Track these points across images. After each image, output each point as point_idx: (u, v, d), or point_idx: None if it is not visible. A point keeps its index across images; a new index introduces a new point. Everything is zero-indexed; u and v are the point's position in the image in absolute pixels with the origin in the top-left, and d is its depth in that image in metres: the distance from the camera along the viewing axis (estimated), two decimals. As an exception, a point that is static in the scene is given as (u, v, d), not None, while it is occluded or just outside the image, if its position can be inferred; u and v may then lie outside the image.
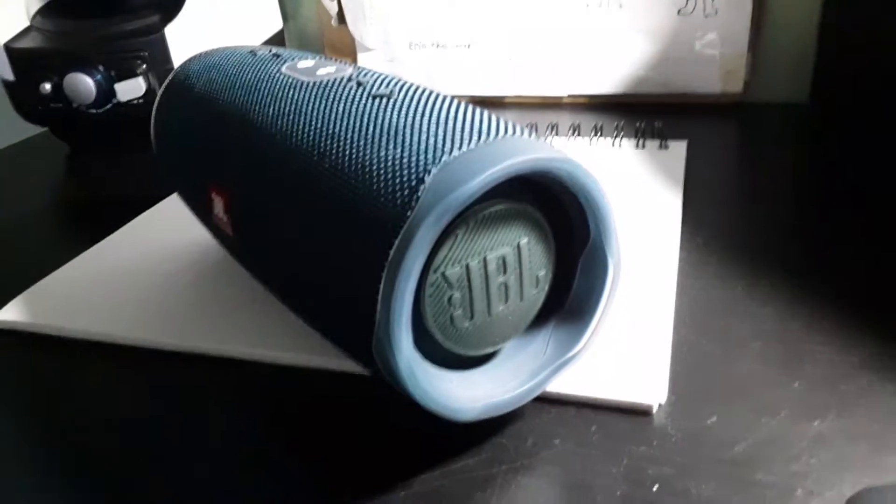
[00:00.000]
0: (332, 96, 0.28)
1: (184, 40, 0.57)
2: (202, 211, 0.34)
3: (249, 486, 0.26)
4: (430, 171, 0.22)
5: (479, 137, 0.24)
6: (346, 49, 0.66)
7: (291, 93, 0.29)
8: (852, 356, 0.30)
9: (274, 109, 0.29)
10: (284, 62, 0.33)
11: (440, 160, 0.23)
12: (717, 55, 0.56)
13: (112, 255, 0.42)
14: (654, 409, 0.28)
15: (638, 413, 0.28)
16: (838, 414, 0.27)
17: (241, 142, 0.29)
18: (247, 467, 0.27)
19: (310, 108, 0.27)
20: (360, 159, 0.24)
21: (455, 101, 0.27)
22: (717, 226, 0.40)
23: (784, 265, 0.36)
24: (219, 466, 0.27)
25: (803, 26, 0.55)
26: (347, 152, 0.25)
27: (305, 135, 0.27)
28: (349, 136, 0.25)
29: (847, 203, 0.42)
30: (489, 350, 0.26)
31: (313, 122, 0.27)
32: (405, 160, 0.23)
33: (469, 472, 0.26)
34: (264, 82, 0.31)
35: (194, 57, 0.38)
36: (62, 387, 0.32)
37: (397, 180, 0.23)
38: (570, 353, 0.27)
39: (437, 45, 0.64)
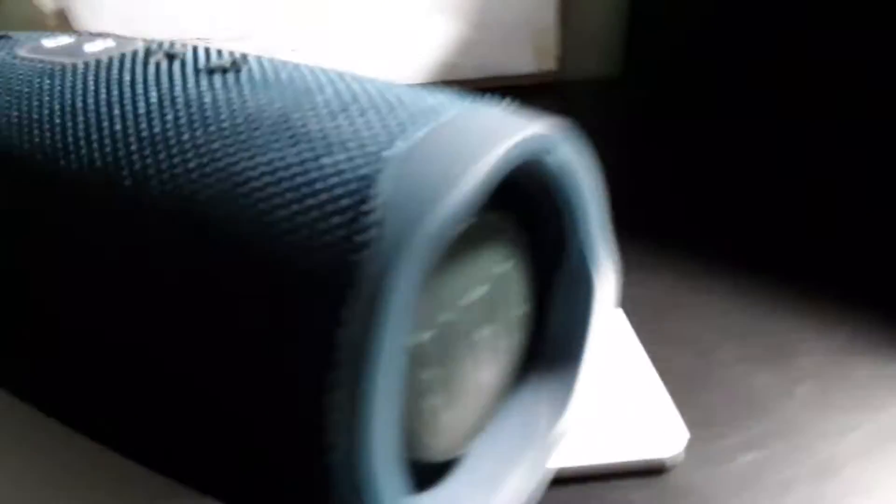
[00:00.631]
0: (134, 81, 0.16)
1: None
2: None
3: None
4: (375, 180, 0.13)
5: (428, 117, 0.14)
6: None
7: (54, 84, 0.17)
8: (834, 339, 0.25)
9: (27, 115, 0.17)
10: (18, 44, 0.20)
11: (383, 159, 0.13)
12: (527, 32, 0.52)
13: None
14: (676, 461, 0.21)
15: (650, 473, 0.20)
16: (873, 410, 0.22)
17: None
18: None
19: (98, 102, 0.16)
20: (227, 179, 0.14)
21: (336, 70, 0.17)
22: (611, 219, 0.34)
23: (699, 247, 0.31)
24: None
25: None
26: (197, 169, 0.14)
27: (101, 149, 0.15)
28: (192, 138, 0.14)
29: (732, 176, 0.39)
30: (472, 442, 0.17)
31: (111, 126, 0.15)
32: (322, 167, 0.13)
33: None
34: (4, 74, 0.18)
35: None
36: None
37: (320, 204, 0.13)
38: (567, 416, 0.19)
39: (201, 39, 0.51)
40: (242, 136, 0.14)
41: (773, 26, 0.44)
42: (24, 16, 0.53)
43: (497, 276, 0.16)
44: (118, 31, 0.51)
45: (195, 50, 0.18)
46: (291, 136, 0.14)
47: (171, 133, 0.15)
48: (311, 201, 0.13)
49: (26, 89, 0.18)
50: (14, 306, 0.16)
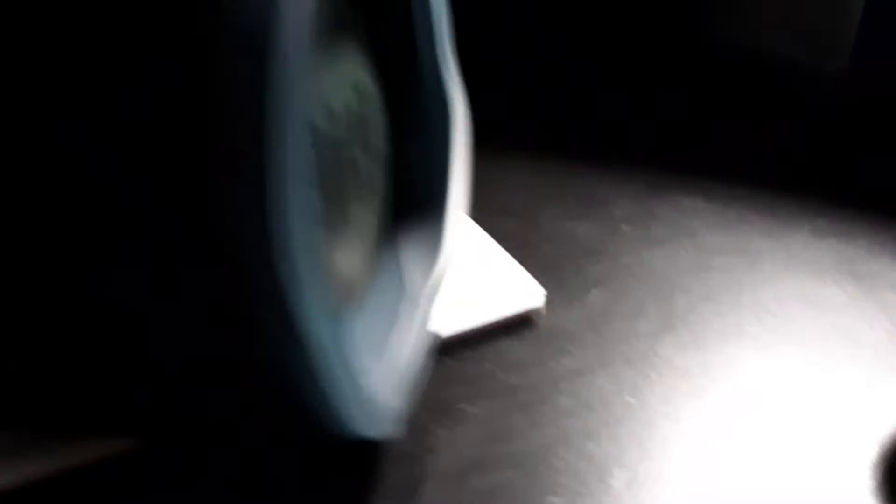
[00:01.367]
0: None
1: None
2: None
3: None
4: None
5: None
6: None
7: None
8: (636, 187, 0.26)
9: None
10: None
11: None
12: None
13: None
14: (543, 307, 0.20)
15: (521, 326, 0.20)
16: (683, 236, 0.24)
17: None
18: None
19: None
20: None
21: None
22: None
23: (511, 124, 0.31)
24: None
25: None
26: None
27: None
28: None
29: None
30: (355, 296, 0.15)
31: None
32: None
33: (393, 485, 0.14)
34: None
35: None
36: None
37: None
38: (439, 270, 0.17)
39: None
40: None
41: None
42: None
43: (357, 83, 0.14)
44: None
45: None
46: None
47: None
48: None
49: None
50: None
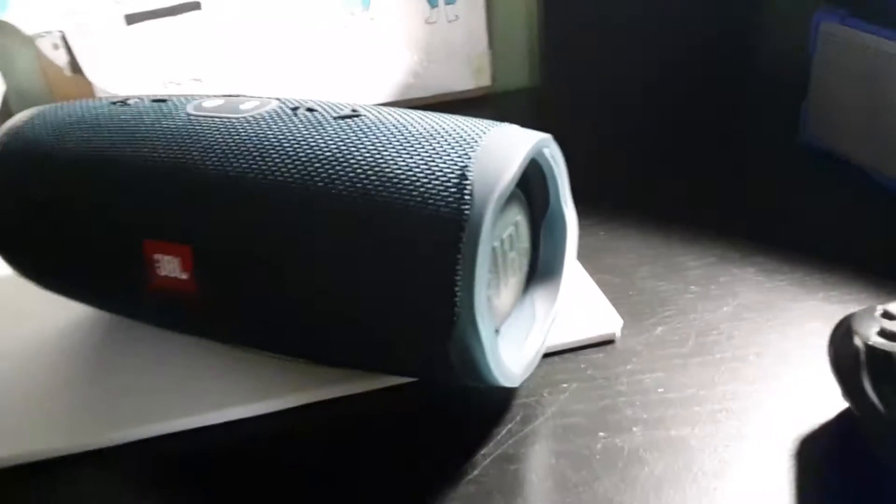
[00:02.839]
0: (298, 125, 0.28)
1: None
2: (114, 277, 0.31)
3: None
4: (468, 168, 0.25)
5: (482, 130, 0.26)
6: (85, 97, 0.60)
7: (239, 131, 0.28)
8: (708, 259, 0.39)
9: (228, 150, 0.27)
10: (181, 106, 0.31)
11: (470, 156, 0.25)
12: (466, 56, 0.64)
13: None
14: (618, 335, 0.33)
15: (605, 343, 0.33)
16: (733, 296, 0.36)
17: (190, 192, 0.28)
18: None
19: (283, 140, 0.27)
20: (381, 174, 0.25)
21: (408, 111, 0.29)
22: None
23: (618, 206, 0.44)
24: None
25: (528, 22, 0.66)
26: (359, 172, 0.25)
27: (293, 167, 0.26)
28: (353, 156, 0.26)
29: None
30: (504, 321, 0.29)
31: (296, 153, 0.27)
32: (433, 162, 0.25)
33: (517, 433, 0.29)
34: (188, 127, 0.29)
35: (18, 125, 0.33)
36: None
37: (436, 181, 0.25)
38: (555, 309, 0.31)
39: (196, 80, 0.61)
40: (384, 152, 0.26)
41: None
42: (34, 69, 0.61)
43: (516, 222, 0.29)
44: (121, 73, 0.60)
45: (322, 105, 0.29)
46: (414, 148, 0.25)
47: (334, 153, 0.26)
48: (430, 183, 0.25)
49: (217, 136, 0.28)
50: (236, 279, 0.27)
